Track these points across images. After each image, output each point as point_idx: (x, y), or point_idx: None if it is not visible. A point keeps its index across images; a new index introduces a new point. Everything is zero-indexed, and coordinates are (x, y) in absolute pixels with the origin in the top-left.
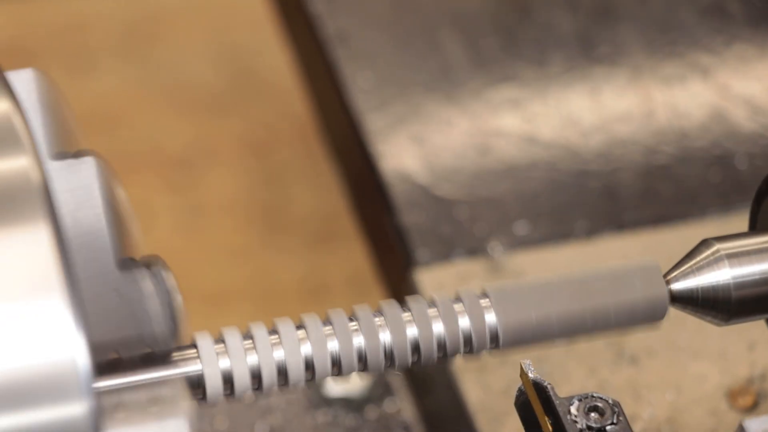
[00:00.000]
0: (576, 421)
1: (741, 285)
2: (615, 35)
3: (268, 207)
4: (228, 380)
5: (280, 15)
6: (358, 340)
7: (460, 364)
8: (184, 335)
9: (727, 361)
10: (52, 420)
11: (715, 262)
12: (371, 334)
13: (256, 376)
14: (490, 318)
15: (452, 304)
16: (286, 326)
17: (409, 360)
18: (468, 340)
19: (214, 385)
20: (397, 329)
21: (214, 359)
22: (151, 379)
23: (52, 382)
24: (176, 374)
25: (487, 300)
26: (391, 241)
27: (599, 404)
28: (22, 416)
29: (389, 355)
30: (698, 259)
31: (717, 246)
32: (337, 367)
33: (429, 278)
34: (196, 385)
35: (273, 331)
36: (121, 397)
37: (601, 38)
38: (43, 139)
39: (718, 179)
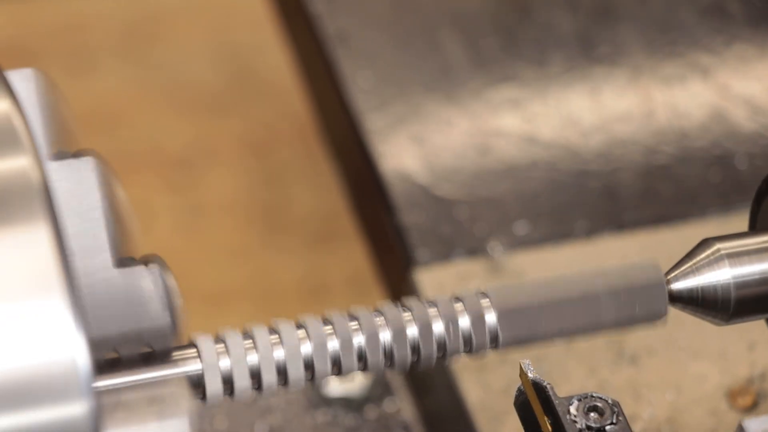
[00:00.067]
0: (575, 421)
1: (741, 285)
2: (615, 35)
3: (268, 207)
4: (228, 380)
5: (280, 15)
6: (358, 340)
7: (459, 364)
8: (183, 334)
9: (727, 361)
10: (52, 420)
11: (715, 261)
12: (371, 334)
13: (256, 376)
14: (490, 318)
15: (452, 304)
16: (286, 326)
17: (409, 360)
18: (468, 340)
19: (213, 384)
20: (397, 329)
21: (214, 359)
22: (151, 378)
23: (52, 381)
24: (176, 374)
25: (487, 300)
26: (391, 240)
27: (599, 404)
28: (22, 416)
29: (389, 355)
30: (698, 258)
31: (717, 246)
32: (337, 367)
33: (429, 278)
34: (196, 384)
35: (273, 331)
36: (121, 397)
37: (601, 38)
38: (42, 138)
39: (718, 179)
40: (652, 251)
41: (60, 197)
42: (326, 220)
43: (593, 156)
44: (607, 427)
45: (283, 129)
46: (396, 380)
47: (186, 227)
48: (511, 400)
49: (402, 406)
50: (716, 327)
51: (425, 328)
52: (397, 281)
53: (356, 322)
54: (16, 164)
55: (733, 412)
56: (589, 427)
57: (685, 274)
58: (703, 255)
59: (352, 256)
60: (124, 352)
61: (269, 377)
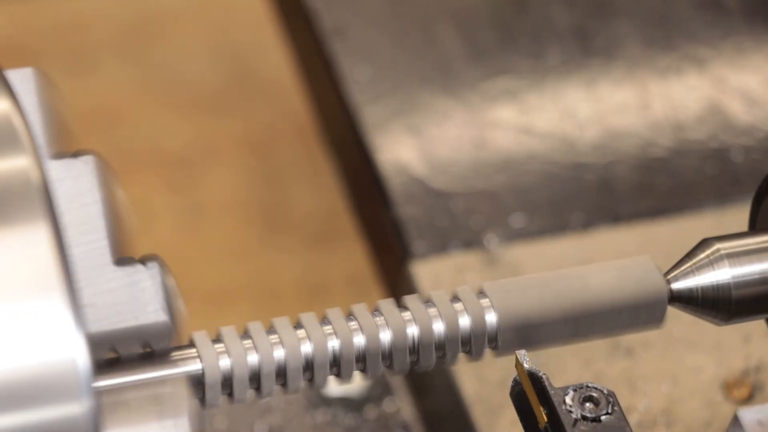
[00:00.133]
0: (571, 411)
1: (741, 284)
2: (611, 29)
3: (268, 207)
4: (227, 380)
5: (279, 12)
6: (358, 340)
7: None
8: (183, 334)
9: (723, 353)
10: (53, 419)
11: (714, 261)
12: (371, 334)
13: (256, 376)
14: (490, 318)
15: (452, 304)
16: (285, 326)
17: (408, 361)
18: (467, 341)
19: (213, 384)
20: (397, 329)
21: (213, 359)
22: (151, 378)
23: (52, 381)
24: (176, 374)
25: (487, 300)
26: (388, 234)
27: (594, 394)
28: (23, 416)
29: (389, 356)
30: (698, 258)
31: (717, 246)
32: (337, 368)
33: (425, 270)
34: (196, 384)
35: (272, 330)
36: (121, 397)
37: (598, 31)
38: (42, 138)
39: (714, 172)
40: (648, 244)
41: (60, 196)
42: (326, 220)
43: (589, 149)
44: (603, 417)
45: (283, 129)
46: (395, 380)
47: (186, 227)
48: (507, 392)
49: (401, 405)
50: None
51: (425, 329)
52: (395, 278)
53: (356, 323)
54: (16, 164)
55: (729, 404)
56: (584, 417)
57: (685, 274)
58: (702, 255)
59: (352, 255)
60: (123, 352)
61: (269, 378)
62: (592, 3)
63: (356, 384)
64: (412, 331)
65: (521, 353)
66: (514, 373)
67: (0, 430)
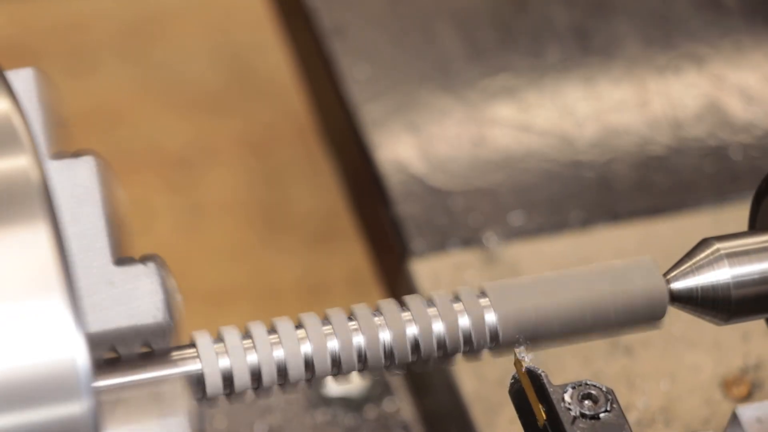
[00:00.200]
0: (570, 409)
1: (740, 284)
2: (610, 27)
3: (268, 206)
4: (228, 379)
5: (279, 11)
6: (358, 340)
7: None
8: (183, 333)
9: (722, 351)
10: (52, 419)
11: (714, 261)
12: (371, 334)
13: (256, 376)
14: (490, 318)
15: (452, 303)
16: (285, 325)
17: (409, 360)
18: (468, 340)
19: (213, 384)
20: (397, 329)
21: (213, 358)
22: (151, 378)
23: (52, 381)
24: (176, 373)
25: (487, 300)
26: (388, 232)
27: (593, 392)
28: (23, 415)
29: (389, 355)
30: (698, 258)
31: (716, 245)
32: (337, 367)
33: (424, 268)
34: (196, 384)
35: (272, 330)
36: (120, 396)
37: (597, 30)
38: (42, 138)
39: (713, 170)
40: (646, 241)
41: (60, 196)
42: (326, 220)
43: (588, 147)
44: (602, 415)
45: (283, 129)
46: (395, 380)
47: (186, 227)
48: (506, 390)
49: (401, 405)
50: None
51: (425, 328)
52: (394, 277)
53: (356, 322)
54: (16, 164)
55: (728, 402)
56: (583, 415)
57: (685, 274)
58: (702, 255)
59: (352, 255)
60: (123, 351)
61: (269, 377)
62: (592, 2)
63: (356, 384)
64: (412, 330)
65: (520, 351)
66: (513, 371)
67: (0, 429)
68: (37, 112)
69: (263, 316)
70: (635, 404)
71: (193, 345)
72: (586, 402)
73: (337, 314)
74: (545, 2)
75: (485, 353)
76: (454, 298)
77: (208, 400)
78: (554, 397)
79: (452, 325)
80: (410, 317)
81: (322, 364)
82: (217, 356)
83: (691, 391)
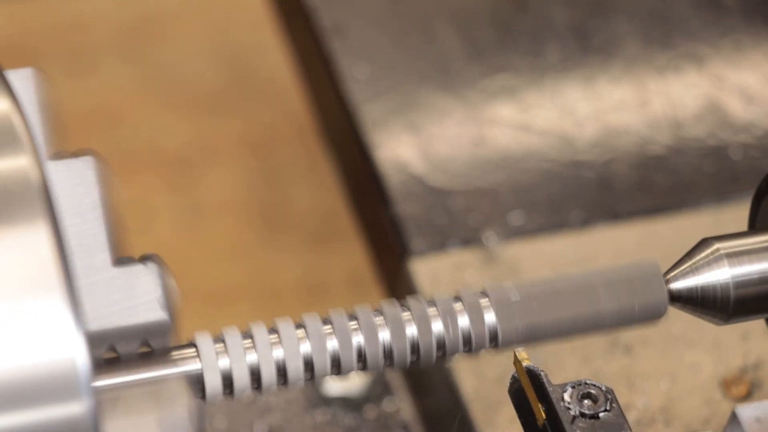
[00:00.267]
0: (569, 408)
1: (740, 284)
2: (610, 27)
3: (268, 206)
4: (227, 379)
5: (278, 10)
6: (358, 340)
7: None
8: (182, 333)
9: (721, 351)
10: (52, 419)
11: (714, 261)
12: (371, 334)
13: (256, 375)
14: (490, 317)
15: (452, 303)
16: (285, 325)
17: (408, 359)
18: (467, 340)
19: (213, 384)
20: (397, 328)
21: (213, 358)
22: (151, 378)
23: (51, 381)
24: (175, 373)
25: (487, 299)
26: (388, 232)
27: (592, 391)
28: (22, 415)
29: (389, 355)
30: (697, 258)
31: (716, 245)
32: (337, 367)
33: (424, 268)
34: (196, 384)
35: (272, 330)
36: (120, 396)
37: (597, 30)
38: (42, 138)
39: (713, 170)
40: (646, 241)
41: (60, 196)
42: (326, 220)
43: (588, 146)
44: (601, 414)
45: (283, 129)
46: (395, 380)
47: (186, 227)
48: (506, 389)
49: (401, 405)
50: None
51: (425, 327)
52: (394, 277)
53: (356, 322)
54: (16, 164)
55: (728, 401)
56: (582, 414)
57: (685, 274)
58: (702, 255)
59: (352, 255)
60: (123, 351)
61: (269, 376)
62: (591, 2)
63: (356, 383)
64: (412, 330)
65: (519, 350)
66: (512, 370)
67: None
68: (37, 112)
69: (263, 316)
70: (635, 404)
71: (192, 345)
72: (586, 401)
73: (336, 314)
74: (545, 2)
75: (485, 352)
76: (454, 298)
77: (207, 400)
78: (554, 396)
79: (452, 324)
80: (410, 317)
81: (322, 363)
82: (216, 356)
83: (690, 391)
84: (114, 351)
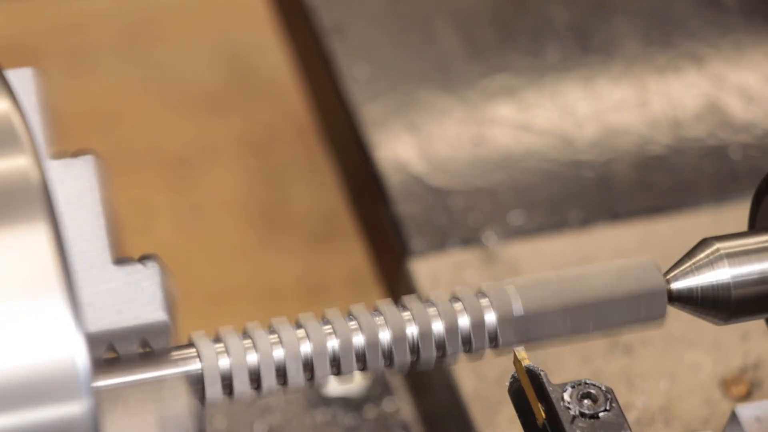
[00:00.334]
0: (569, 408)
1: (740, 284)
2: (610, 27)
3: (268, 206)
4: (227, 379)
5: (278, 10)
6: (358, 340)
7: None
8: (183, 333)
9: (721, 351)
10: (52, 419)
11: (714, 261)
12: (371, 334)
13: (256, 376)
14: (489, 318)
15: (451, 303)
16: (285, 326)
17: (408, 359)
18: (467, 340)
19: (213, 384)
20: (397, 329)
21: (213, 358)
22: (151, 378)
23: (51, 381)
24: (175, 373)
25: (487, 300)
26: (387, 232)
27: (592, 391)
28: (22, 415)
29: (388, 355)
30: (697, 258)
31: (716, 245)
32: (336, 367)
33: (424, 268)
34: (196, 384)
35: (272, 330)
36: (120, 396)
37: (597, 29)
38: (42, 138)
39: (713, 169)
40: (646, 241)
41: (60, 196)
42: (326, 220)
43: (588, 146)
44: (601, 414)
45: (283, 129)
46: (395, 380)
47: (186, 227)
48: (506, 389)
49: (401, 405)
50: None
51: (425, 328)
52: (394, 277)
53: (355, 322)
54: (16, 163)
55: (727, 401)
56: (582, 414)
57: (685, 274)
58: (702, 255)
59: (352, 255)
60: (122, 351)
61: (268, 377)
62: (591, 1)
63: (356, 384)
64: (412, 330)
65: (519, 350)
66: (512, 370)
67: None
68: (37, 112)
69: (263, 316)
70: (635, 403)
71: (192, 345)
72: (586, 401)
73: (336, 314)
74: (545, 2)
75: (485, 352)
76: (454, 298)
77: (207, 400)
78: (553, 396)
79: (452, 324)
80: (410, 317)
81: (322, 364)
82: (216, 356)
83: (690, 391)
84: (114, 351)
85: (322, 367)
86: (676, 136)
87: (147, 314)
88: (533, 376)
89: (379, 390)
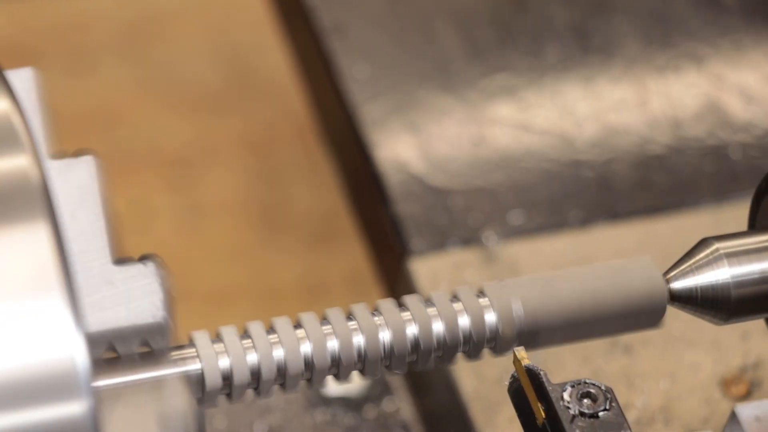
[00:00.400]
0: (569, 407)
1: (740, 284)
2: (610, 26)
3: (268, 206)
4: (227, 379)
5: (278, 10)
6: (358, 339)
7: None
8: (183, 333)
9: (721, 350)
10: (52, 419)
11: (714, 261)
12: (371, 334)
13: (255, 375)
14: (489, 317)
15: (451, 303)
16: (285, 325)
17: (408, 360)
18: (467, 341)
19: (213, 383)
20: (397, 329)
21: (213, 358)
22: (150, 378)
23: (51, 381)
24: (175, 373)
25: (486, 299)
26: (387, 232)
27: (592, 390)
28: (22, 415)
29: (388, 355)
30: (697, 258)
31: (716, 245)
32: (336, 367)
33: (424, 267)
34: (195, 383)
35: (272, 330)
36: (120, 396)
37: (596, 29)
38: (42, 138)
39: (713, 169)
40: (646, 241)
41: (59, 196)
42: (325, 220)
43: (588, 146)
44: (601, 414)
45: (283, 129)
46: (395, 380)
47: (186, 227)
48: (506, 389)
49: (401, 405)
50: None
51: (425, 328)
52: (394, 277)
53: (355, 322)
54: (16, 163)
55: (727, 401)
56: (582, 413)
57: (684, 274)
58: (702, 254)
59: (352, 255)
60: (122, 351)
61: (268, 377)
62: (591, 1)
63: (356, 384)
64: (412, 330)
65: (519, 350)
66: (511, 370)
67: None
68: (37, 112)
69: (263, 316)
70: (634, 403)
71: (192, 345)
72: (585, 401)
73: (336, 314)
74: (545, 2)
75: (485, 353)
76: (453, 297)
77: (207, 400)
78: (553, 395)
79: (451, 324)
80: (409, 317)
81: (322, 363)
82: (216, 356)
83: (690, 390)
84: (114, 351)
85: (321, 368)
86: (675, 136)
87: (147, 314)
88: (533, 375)
89: (379, 390)
